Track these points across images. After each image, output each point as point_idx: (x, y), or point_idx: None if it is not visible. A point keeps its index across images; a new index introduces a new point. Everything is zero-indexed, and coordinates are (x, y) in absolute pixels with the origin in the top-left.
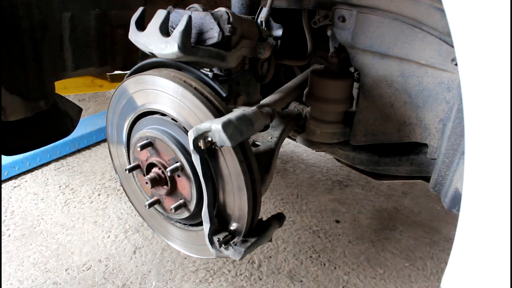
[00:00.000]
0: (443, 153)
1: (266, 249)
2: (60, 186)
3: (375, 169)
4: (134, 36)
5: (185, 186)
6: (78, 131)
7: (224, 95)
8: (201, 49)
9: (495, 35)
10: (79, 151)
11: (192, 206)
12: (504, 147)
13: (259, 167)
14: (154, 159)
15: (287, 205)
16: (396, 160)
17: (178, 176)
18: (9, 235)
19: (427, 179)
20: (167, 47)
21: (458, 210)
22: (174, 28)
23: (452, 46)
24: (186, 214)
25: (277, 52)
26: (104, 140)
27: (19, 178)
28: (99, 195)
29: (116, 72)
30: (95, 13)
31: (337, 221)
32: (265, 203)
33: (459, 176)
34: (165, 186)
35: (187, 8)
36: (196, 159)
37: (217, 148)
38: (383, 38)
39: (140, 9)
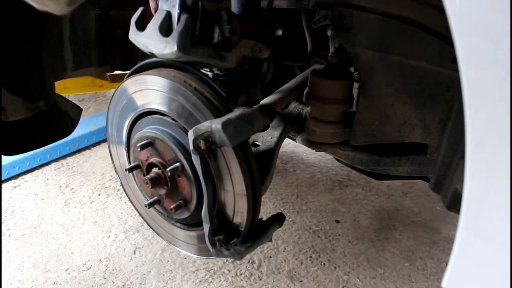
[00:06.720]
0: (443, 153)
1: (266, 249)
2: (60, 186)
3: (375, 169)
4: (134, 36)
5: (185, 186)
6: (78, 131)
7: (224, 95)
8: (200, 49)
9: (496, 35)
10: (79, 151)
11: (192, 206)
12: (505, 147)
13: (259, 167)
14: (154, 159)
15: (287, 205)
16: (396, 160)
17: (178, 176)
18: (9, 235)
19: (427, 179)
20: (166, 47)
21: (458, 210)
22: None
23: (452, 46)
24: (186, 214)
25: (277, 52)
26: (104, 140)
27: (19, 178)
28: (99, 195)
29: (116, 72)
30: (95, 13)
31: (337, 221)
32: (265, 203)
33: (459, 176)
34: (165, 186)
35: None
36: (196, 159)
37: (217, 148)
38: (383, 38)
39: (140, 9)
